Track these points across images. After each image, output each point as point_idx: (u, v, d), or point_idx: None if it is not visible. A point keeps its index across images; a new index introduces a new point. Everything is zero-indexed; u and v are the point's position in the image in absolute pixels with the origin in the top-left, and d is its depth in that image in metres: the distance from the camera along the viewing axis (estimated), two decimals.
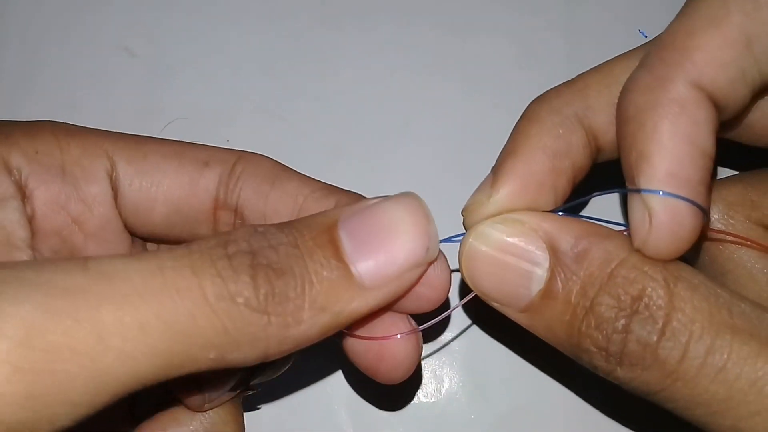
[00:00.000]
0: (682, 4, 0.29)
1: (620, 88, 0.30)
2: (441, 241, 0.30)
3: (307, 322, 0.26)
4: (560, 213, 0.31)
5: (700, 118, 0.27)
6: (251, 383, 0.34)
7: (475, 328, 0.44)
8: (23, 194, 0.31)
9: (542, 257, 0.29)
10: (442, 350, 0.44)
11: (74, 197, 0.32)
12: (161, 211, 0.33)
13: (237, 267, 0.25)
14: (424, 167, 0.47)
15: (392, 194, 0.30)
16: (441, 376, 0.44)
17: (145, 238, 0.36)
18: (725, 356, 0.26)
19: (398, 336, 0.31)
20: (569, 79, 0.34)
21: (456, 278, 0.32)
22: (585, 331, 0.28)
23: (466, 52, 0.48)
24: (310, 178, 0.35)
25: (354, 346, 0.32)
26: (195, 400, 0.32)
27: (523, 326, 0.31)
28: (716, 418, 0.27)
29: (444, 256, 0.31)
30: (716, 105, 0.28)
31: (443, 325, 0.45)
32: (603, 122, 0.32)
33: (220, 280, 0.24)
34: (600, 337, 0.28)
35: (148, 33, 0.49)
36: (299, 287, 0.26)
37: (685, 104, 0.27)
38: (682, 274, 0.28)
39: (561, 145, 0.31)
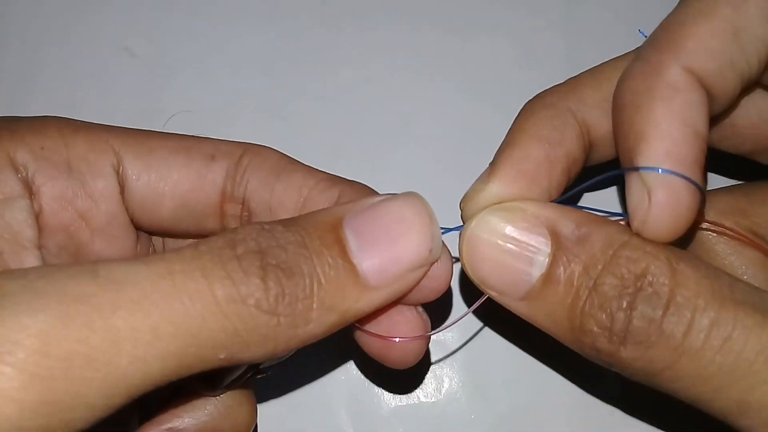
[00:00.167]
0: None
1: (613, 86, 0.31)
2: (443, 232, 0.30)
3: (315, 322, 0.26)
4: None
5: (693, 100, 0.28)
6: (261, 366, 0.34)
7: (475, 329, 0.44)
8: (30, 191, 0.31)
9: (544, 243, 0.29)
10: (442, 350, 0.44)
11: (81, 193, 0.32)
12: (168, 206, 0.34)
13: (247, 268, 0.25)
14: (424, 167, 0.47)
15: (395, 192, 0.30)
16: (441, 376, 0.44)
17: (151, 232, 0.36)
18: (730, 327, 0.26)
19: (407, 339, 0.32)
20: (568, 78, 0.34)
21: (456, 278, 0.32)
22: (588, 311, 0.28)
23: (466, 52, 0.48)
24: (315, 169, 0.35)
25: (363, 335, 0.32)
26: (208, 385, 0.33)
27: (522, 316, 0.30)
28: (722, 393, 0.26)
29: (446, 246, 0.31)
30: (707, 92, 0.29)
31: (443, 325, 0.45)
32: (595, 116, 0.33)
33: (230, 282, 0.25)
34: (604, 316, 0.27)
35: (148, 33, 0.49)
36: (308, 288, 0.26)
37: (679, 87, 0.28)
38: (682, 255, 0.28)
39: (555, 135, 0.32)
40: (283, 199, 0.34)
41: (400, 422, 0.44)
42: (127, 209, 0.33)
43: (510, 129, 0.33)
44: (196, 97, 0.48)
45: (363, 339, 0.33)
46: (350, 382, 0.44)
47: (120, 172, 0.33)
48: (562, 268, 0.28)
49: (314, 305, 0.26)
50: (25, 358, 0.21)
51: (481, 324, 0.44)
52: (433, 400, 0.44)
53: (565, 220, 0.29)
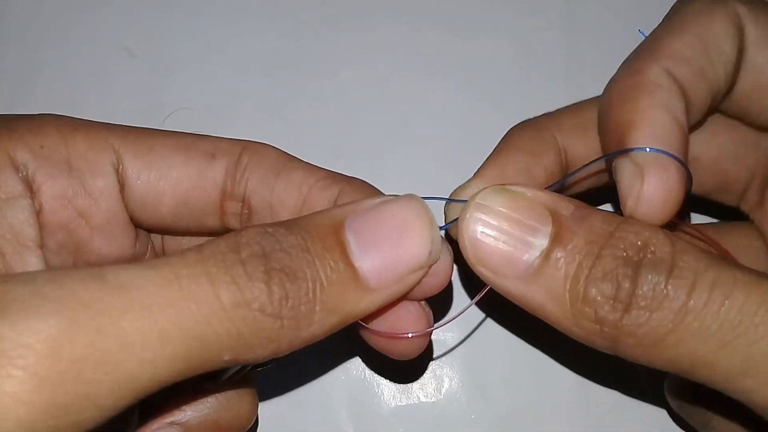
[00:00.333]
0: None
1: (589, 115, 0.35)
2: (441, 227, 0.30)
3: (317, 324, 0.27)
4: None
5: (673, 93, 0.31)
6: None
7: (475, 328, 0.44)
8: (31, 190, 0.31)
9: (544, 221, 0.29)
10: (442, 350, 0.44)
11: (81, 192, 0.32)
12: (168, 204, 0.34)
13: (251, 273, 0.26)
14: (424, 167, 0.47)
15: (394, 194, 0.31)
16: (441, 376, 0.44)
17: (150, 230, 0.36)
18: (730, 285, 0.27)
19: (410, 335, 0.32)
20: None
21: (455, 277, 0.33)
22: (592, 281, 0.28)
23: (466, 52, 0.48)
24: (315, 166, 0.35)
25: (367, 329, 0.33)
26: (210, 379, 0.33)
27: (520, 297, 0.30)
28: (726, 351, 0.27)
29: (446, 242, 0.31)
30: (684, 94, 0.31)
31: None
32: (572, 138, 0.36)
33: (235, 287, 0.25)
34: (607, 284, 0.28)
35: (148, 33, 0.49)
36: (311, 291, 0.27)
37: (660, 83, 0.31)
38: (677, 235, 0.29)
39: (535, 148, 0.35)
40: (284, 197, 0.34)
41: (400, 422, 0.44)
42: (126, 207, 0.33)
43: (495, 147, 0.36)
44: (195, 97, 0.48)
45: (369, 334, 0.33)
46: (350, 382, 0.44)
47: (120, 170, 0.33)
48: (563, 243, 0.29)
49: (317, 308, 0.27)
50: (36, 362, 0.22)
51: (481, 324, 0.45)
52: (433, 400, 0.44)
53: (564, 202, 0.30)
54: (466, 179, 0.35)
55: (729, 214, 0.39)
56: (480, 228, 0.29)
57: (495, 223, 0.29)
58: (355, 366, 0.44)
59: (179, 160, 0.33)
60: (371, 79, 0.48)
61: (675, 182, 0.30)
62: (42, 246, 0.31)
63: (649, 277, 0.27)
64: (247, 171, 0.34)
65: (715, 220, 0.44)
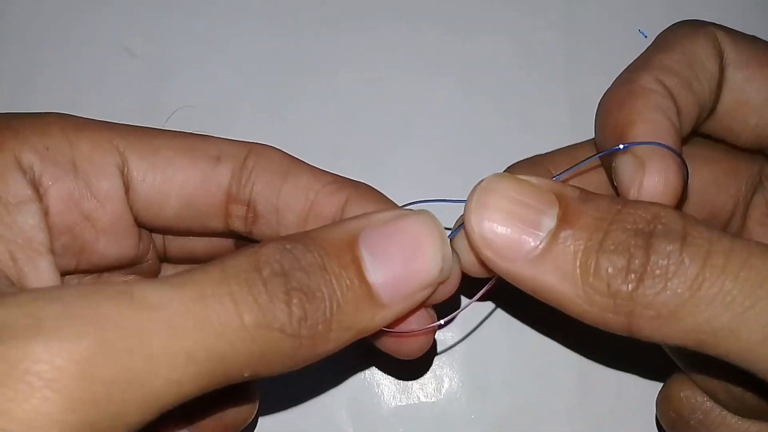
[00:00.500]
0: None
1: (581, 155, 0.35)
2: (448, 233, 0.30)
3: (333, 342, 0.28)
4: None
5: (666, 97, 0.32)
6: None
7: (475, 328, 0.45)
8: (38, 193, 0.31)
9: (551, 203, 0.29)
10: (442, 350, 0.44)
11: (87, 194, 0.32)
12: (173, 206, 0.34)
13: (272, 293, 0.26)
14: (424, 167, 0.47)
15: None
16: (441, 376, 0.44)
17: (153, 230, 0.36)
18: (747, 251, 0.27)
19: (428, 329, 0.33)
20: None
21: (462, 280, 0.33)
22: (603, 253, 0.28)
23: (466, 52, 0.48)
24: (320, 170, 0.35)
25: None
26: None
27: (528, 281, 0.29)
28: (747, 317, 0.26)
29: (456, 253, 0.31)
30: (674, 102, 0.32)
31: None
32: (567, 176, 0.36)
33: (257, 307, 0.26)
34: (620, 256, 0.27)
35: (148, 33, 0.49)
36: (328, 311, 0.27)
37: (653, 89, 0.32)
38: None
39: (529, 172, 0.35)
40: (291, 201, 0.34)
41: (400, 422, 0.44)
42: (131, 209, 0.33)
43: None
44: (196, 97, 0.48)
45: (376, 336, 0.33)
46: (350, 382, 0.44)
47: (125, 172, 0.33)
48: (571, 223, 0.28)
49: (333, 326, 0.27)
50: (69, 384, 0.23)
51: (481, 324, 0.45)
52: (433, 400, 0.44)
53: (569, 188, 0.30)
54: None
55: None
56: (486, 212, 0.29)
57: (501, 206, 0.29)
58: (355, 366, 0.44)
59: (184, 163, 0.33)
60: (371, 78, 0.48)
61: (675, 172, 0.31)
62: (52, 250, 0.31)
63: (663, 245, 0.27)
64: (252, 175, 0.34)
65: None
